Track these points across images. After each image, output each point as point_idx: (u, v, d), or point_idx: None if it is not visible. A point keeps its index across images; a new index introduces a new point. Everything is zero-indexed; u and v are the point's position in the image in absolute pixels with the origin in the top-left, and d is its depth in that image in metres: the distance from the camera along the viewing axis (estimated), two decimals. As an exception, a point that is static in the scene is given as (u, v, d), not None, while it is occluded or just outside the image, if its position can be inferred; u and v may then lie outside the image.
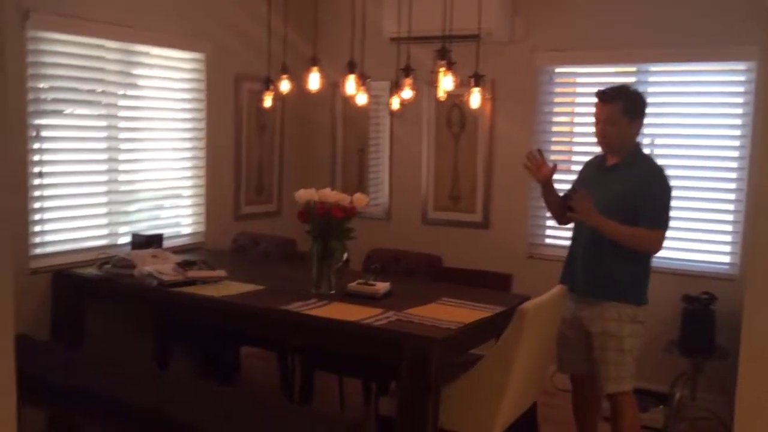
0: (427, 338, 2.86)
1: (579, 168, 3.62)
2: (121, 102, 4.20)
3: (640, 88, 4.38)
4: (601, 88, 3.30)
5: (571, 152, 4.80)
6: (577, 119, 4.77)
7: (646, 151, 4.36)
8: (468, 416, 2.92)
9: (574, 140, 4.77)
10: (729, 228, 4.23)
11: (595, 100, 3.29)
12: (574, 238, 3.41)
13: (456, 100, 4.64)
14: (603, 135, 3.23)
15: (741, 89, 4.16)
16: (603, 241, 3.13)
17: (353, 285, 3.48)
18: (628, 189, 3.15)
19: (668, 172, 4.50)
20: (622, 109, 3.17)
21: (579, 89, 4.79)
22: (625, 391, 3.21)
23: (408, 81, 3.28)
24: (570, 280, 3.31)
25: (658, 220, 3.12)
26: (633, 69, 4.44)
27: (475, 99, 3.32)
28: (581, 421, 3.52)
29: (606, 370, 3.19)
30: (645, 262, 3.24)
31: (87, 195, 4.05)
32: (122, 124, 4.21)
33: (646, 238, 3.11)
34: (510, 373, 2.84)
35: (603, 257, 3.18)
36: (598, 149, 3.45)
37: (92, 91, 4.04)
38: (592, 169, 3.43)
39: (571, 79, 4.80)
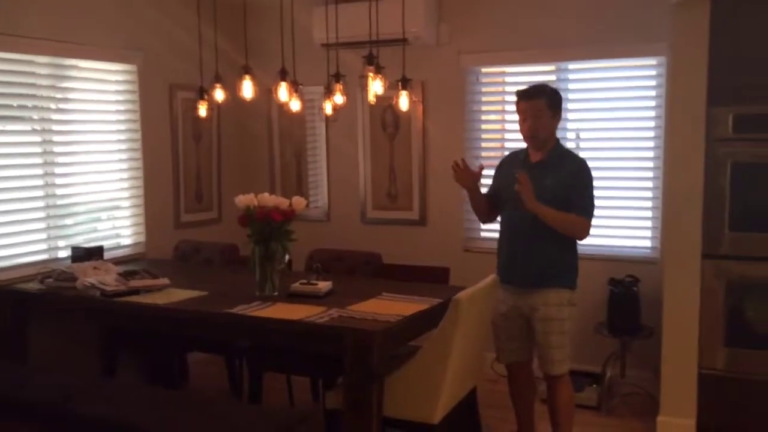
0: (367, 331, 2.98)
1: None
2: (55, 116, 4.20)
3: (561, 86, 4.68)
4: (522, 88, 3.48)
5: (503, 148, 5.00)
6: (507, 117, 4.96)
7: (571, 144, 4.63)
8: (411, 403, 3.05)
9: (506, 137, 4.97)
10: (649, 214, 4.50)
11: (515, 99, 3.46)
12: (506, 234, 3.53)
13: (387, 102, 4.77)
14: (532, 129, 3.37)
15: (653, 83, 4.42)
16: (542, 232, 3.30)
17: (296, 285, 3.58)
18: (558, 182, 3.32)
19: (591, 164, 4.78)
20: (546, 103, 3.35)
21: (507, 88, 4.98)
22: (565, 372, 3.41)
23: (339, 86, 3.41)
24: (506, 273, 3.46)
25: (588, 208, 3.33)
26: (552, 68, 4.67)
27: (403, 101, 3.46)
28: (520, 405, 3.66)
29: (551, 353, 3.35)
30: (575, 249, 3.45)
31: (24, 210, 4.04)
32: (57, 138, 4.22)
33: (578, 225, 3.32)
34: (448, 359, 2.99)
35: (544, 247, 3.34)
36: (524, 145, 3.59)
37: (24, 107, 4.04)
38: (515, 165, 3.49)
39: (498, 79, 4.99)
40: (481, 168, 3.57)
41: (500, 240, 3.59)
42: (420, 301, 3.43)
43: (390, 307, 3.34)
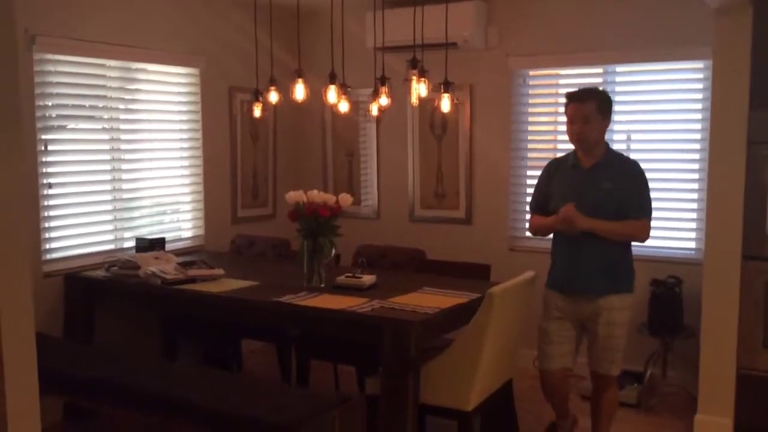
0: (406, 322, 3.15)
1: None
2: (123, 116, 4.51)
3: (608, 88, 4.74)
4: (572, 90, 3.47)
5: (555, 150, 5.08)
6: (560, 118, 5.03)
7: (621, 146, 4.70)
8: (446, 390, 3.20)
9: (558, 138, 5.05)
10: (693, 216, 4.53)
11: (564, 101, 3.46)
12: (562, 241, 3.45)
13: (434, 104, 4.93)
14: (581, 133, 3.33)
15: (700, 86, 4.45)
16: (602, 238, 3.28)
17: (341, 278, 3.78)
18: (617, 186, 3.30)
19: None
20: (596, 107, 3.32)
21: (560, 90, 5.06)
22: (615, 375, 3.47)
23: (384, 89, 3.57)
24: (564, 282, 3.42)
25: (646, 209, 3.33)
26: (600, 70, 4.74)
27: (445, 104, 3.61)
28: (559, 398, 3.63)
29: (612, 355, 3.38)
30: (631, 251, 3.45)
31: (93, 203, 4.35)
32: (124, 136, 4.52)
33: (638, 228, 3.31)
34: (482, 349, 3.13)
35: (605, 253, 3.32)
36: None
37: (95, 107, 4.35)
38: (566, 171, 3.47)
39: (546, 81, 5.09)
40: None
41: (555, 248, 3.52)
42: (459, 295, 3.57)
43: (429, 300, 3.50)
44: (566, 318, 3.44)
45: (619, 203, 3.29)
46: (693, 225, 4.54)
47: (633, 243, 3.46)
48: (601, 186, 3.31)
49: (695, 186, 4.50)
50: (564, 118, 4.85)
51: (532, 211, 3.64)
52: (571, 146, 3.52)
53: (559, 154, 4.95)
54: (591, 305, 3.36)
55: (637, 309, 4.44)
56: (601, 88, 3.51)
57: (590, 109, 3.31)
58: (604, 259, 3.33)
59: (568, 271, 3.41)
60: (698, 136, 4.47)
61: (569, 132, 3.42)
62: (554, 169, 3.58)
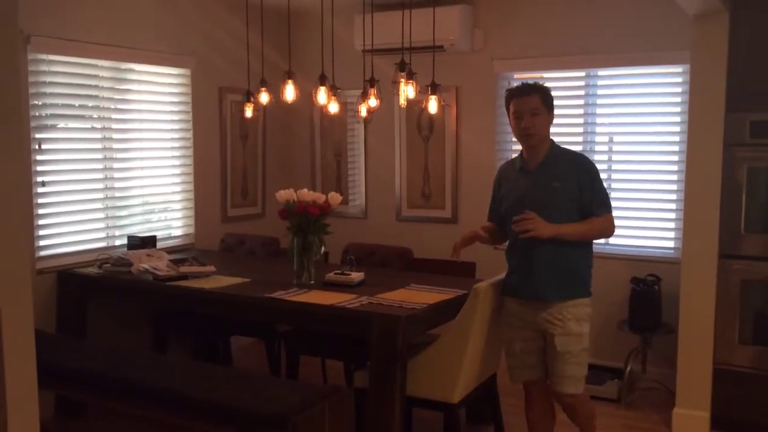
0: (393, 317, 3.25)
1: None
2: (114, 116, 4.57)
3: (590, 91, 4.87)
4: (511, 87, 3.38)
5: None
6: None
7: (603, 148, 4.82)
8: (433, 383, 3.30)
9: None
10: (672, 216, 4.65)
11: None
12: (516, 245, 3.25)
13: (421, 106, 5.03)
14: (530, 127, 3.14)
15: (679, 90, 4.58)
16: (557, 241, 3.09)
17: (330, 275, 3.87)
18: (568, 183, 3.14)
19: (619, 166, 4.91)
20: (541, 100, 3.16)
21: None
22: (581, 392, 3.21)
23: (373, 91, 3.67)
24: (520, 287, 3.23)
25: (607, 203, 3.18)
26: (582, 74, 4.86)
27: (432, 105, 3.71)
28: (541, 426, 3.41)
29: (569, 370, 3.13)
30: (590, 253, 3.26)
31: (85, 201, 4.41)
32: (116, 135, 4.58)
33: (605, 225, 3.16)
34: (467, 343, 3.23)
35: (561, 256, 3.12)
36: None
37: (87, 107, 4.41)
38: (514, 174, 3.32)
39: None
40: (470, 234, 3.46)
41: (509, 253, 3.33)
42: (445, 291, 3.68)
43: (416, 296, 3.60)
44: (527, 326, 3.21)
45: (573, 200, 3.12)
46: (672, 225, 4.66)
47: (599, 250, 3.37)
48: (550, 185, 3.15)
49: (674, 187, 4.63)
50: None
51: (488, 219, 3.51)
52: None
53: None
54: (544, 313, 3.14)
55: (618, 306, 4.60)
56: (541, 83, 3.29)
57: (536, 101, 3.15)
58: (557, 260, 3.12)
59: (522, 270, 3.21)
60: (677, 138, 4.60)
61: (515, 129, 3.22)
62: (504, 173, 3.43)
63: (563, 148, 3.29)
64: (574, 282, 3.17)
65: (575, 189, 3.15)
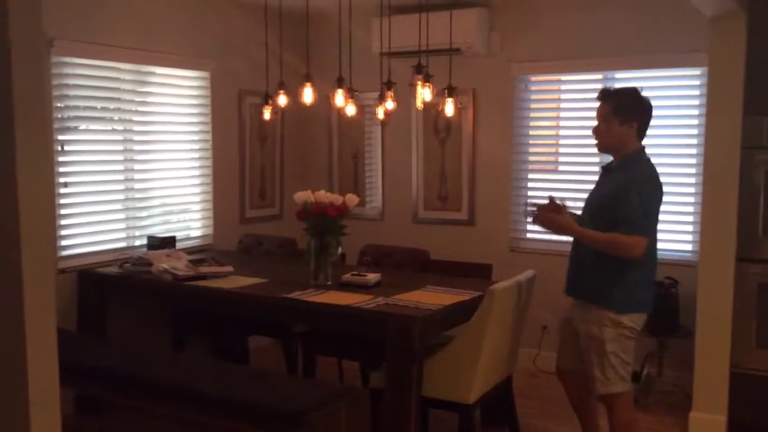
0: (409, 317, 3.28)
1: (564, 169, 3.59)
2: (135, 118, 4.64)
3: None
4: (604, 87, 3.43)
5: (557, 153, 5.23)
6: (561, 123, 5.17)
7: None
8: (448, 384, 3.32)
9: (560, 143, 5.19)
10: (690, 219, 4.64)
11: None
12: (573, 242, 3.33)
13: (438, 108, 5.06)
14: (594, 132, 3.25)
15: (697, 92, 4.57)
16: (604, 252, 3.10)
17: (347, 276, 3.90)
18: (612, 192, 3.14)
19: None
20: (611, 108, 3.16)
21: (562, 96, 5.20)
22: (613, 393, 3.18)
23: (390, 93, 3.70)
24: (567, 282, 3.34)
25: (634, 225, 3.03)
26: (600, 77, 4.86)
27: (449, 108, 3.73)
28: (582, 415, 3.50)
29: (592, 370, 3.18)
30: (638, 272, 3.14)
31: (106, 202, 4.48)
32: (136, 137, 4.65)
33: (622, 244, 3.03)
34: (482, 344, 3.25)
35: (588, 260, 3.16)
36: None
37: (109, 109, 4.48)
38: (602, 171, 3.41)
39: (548, 87, 5.22)
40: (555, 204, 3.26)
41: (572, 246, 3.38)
42: (461, 293, 3.69)
43: (432, 297, 3.62)
44: (568, 320, 3.34)
45: (610, 209, 3.10)
46: (690, 228, 4.65)
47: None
48: (602, 190, 3.23)
49: (692, 190, 4.62)
50: (566, 123, 5.10)
51: None
52: (591, 149, 3.45)
53: (561, 159, 5.17)
54: (575, 311, 3.27)
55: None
56: (628, 91, 3.24)
57: (604, 109, 3.18)
58: (598, 266, 3.12)
59: (569, 267, 3.33)
60: (695, 141, 4.58)
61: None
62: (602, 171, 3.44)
63: (637, 158, 3.21)
64: (601, 290, 3.14)
65: (612, 199, 3.12)
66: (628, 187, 3.08)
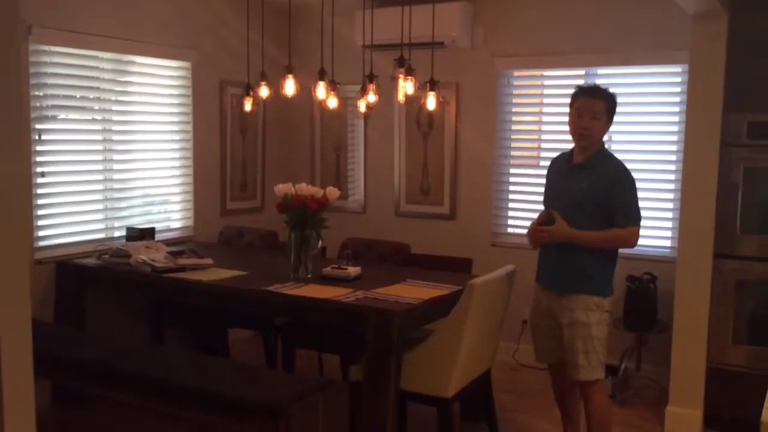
0: (388, 311, 3.27)
1: (546, 164, 3.63)
2: (115, 107, 4.59)
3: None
4: (584, 84, 3.47)
5: (539, 148, 5.24)
6: (544, 118, 5.17)
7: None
8: (427, 378, 3.32)
9: (543, 138, 5.19)
10: (669, 215, 4.67)
11: (564, 99, 3.41)
12: None
13: (420, 102, 5.05)
14: (586, 128, 3.24)
15: (678, 90, 4.59)
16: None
17: (327, 269, 3.89)
18: (594, 187, 3.21)
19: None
20: (606, 107, 3.24)
21: (544, 91, 5.21)
22: (593, 380, 3.29)
23: (372, 86, 3.68)
24: (542, 275, 3.42)
25: (632, 216, 3.22)
26: (582, 72, 4.87)
27: (430, 102, 3.72)
28: (564, 406, 3.59)
29: (576, 358, 3.25)
30: (612, 255, 3.33)
31: (85, 192, 4.43)
32: (116, 127, 4.60)
33: (621, 237, 3.22)
34: (461, 339, 3.25)
35: (575, 252, 3.24)
36: (561, 146, 3.65)
37: (88, 98, 4.43)
38: (559, 166, 3.46)
39: (531, 82, 5.22)
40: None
41: None
42: (441, 287, 3.69)
43: (412, 291, 3.61)
44: (547, 312, 3.38)
45: (598, 204, 3.21)
46: (669, 224, 4.68)
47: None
48: (579, 185, 3.25)
49: (672, 186, 4.65)
50: (548, 118, 5.11)
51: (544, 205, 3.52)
52: (571, 144, 3.43)
53: (543, 154, 5.18)
54: (557, 302, 3.32)
55: (613, 304, 4.59)
56: (611, 91, 3.34)
57: (600, 106, 3.24)
58: (576, 256, 3.24)
59: (545, 259, 3.41)
60: (675, 138, 4.61)
61: (573, 125, 3.30)
62: (555, 164, 3.54)
63: (609, 154, 3.38)
64: (585, 278, 3.26)
65: (600, 195, 3.23)
66: (618, 182, 3.23)
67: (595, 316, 3.25)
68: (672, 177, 4.64)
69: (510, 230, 5.18)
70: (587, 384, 3.32)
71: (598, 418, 3.36)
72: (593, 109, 3.24)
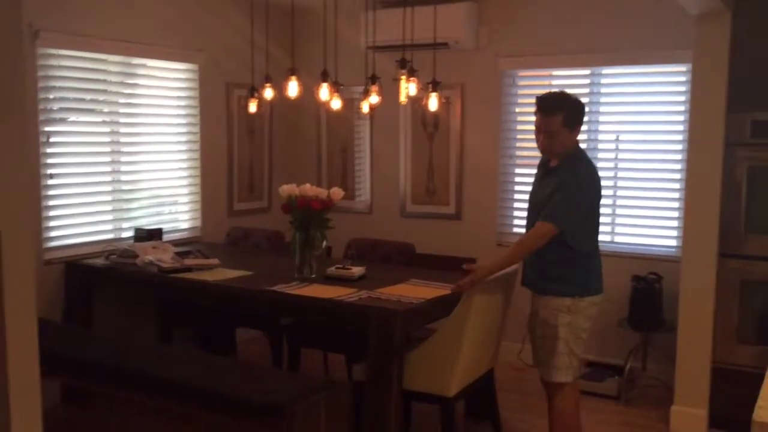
0: (391, 311, 3.30)
1: None
2: (123, 110, 4.64)
3: (594, 89, 4.88)
4: (542, 95, 3.29)
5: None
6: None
7: (609, 146, 4.82)
8: (429, 377, 3.34)
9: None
10: (675, 214, 4.66)
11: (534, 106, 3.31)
12: None
13: (420, 103, 5.06)
14: (544, 146, 3.25)
15: (683, 89, 4.58)
16: (549, 245, 3.19)
17: (332, 269, 3.92)
18: (550, 190, 3.21)
19: (622, 164, 4.87)
20: (562, 120, 3.16)
21: (550, 90, 5.20)
22: (556, 382, 3.26)
23: (374, 87, 3.70)
24: (523, 276, 3.44)
25: (553, 215, 3.14)
26: (587, 72, 4.87)
27: (432, 102, 3.74)
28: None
29: (540, 355, 3.30)
30: (585, 254, 3.27)
31: (93, 194, 4.49)
32: (124, 129, 4.65)
33: (531, 237, 3.22)
34: (463, 338, 3.27)
35: (542, 256, 3.24)
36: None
37: (96, 101, 4.49)
38: (540, 171, 3.44)
39: (535, 82, 5.23)
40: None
41: None
42: (444, 287, 3.69)
43: (415, 291, 3.64)
44: (533, 314, 3.37)
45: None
46: (674, 223, 4.67)
47: (601, 248, 3.35)
48: (543, 191, 3.26)
49: (677, 185, 4.64)
50: None
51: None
52: None
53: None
54: (535, 302, 3.34)
55: (619, 304, 4.61)
56: (572, 97, 3.28)
57: (556, 124, 3.16)
58: (542, 260, 3.25)
59: (525, 265, 3.42)
60: (680, 137, 4.60)
61: (536, 138, 3.30)
62: (538, 169, 3.51)
63: (578, 158, 3.29)
64: (554, 279, 3.25)
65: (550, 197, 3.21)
66: (561, 183, 3.17)
67: (564, 318, 3.21)
68: (677, 176, 4.63)
69: (515, 230, 5.18)
70: (550, 386, 3.32)
71: (559, 425, 3.31)
72: (549, 128, 3.18)
